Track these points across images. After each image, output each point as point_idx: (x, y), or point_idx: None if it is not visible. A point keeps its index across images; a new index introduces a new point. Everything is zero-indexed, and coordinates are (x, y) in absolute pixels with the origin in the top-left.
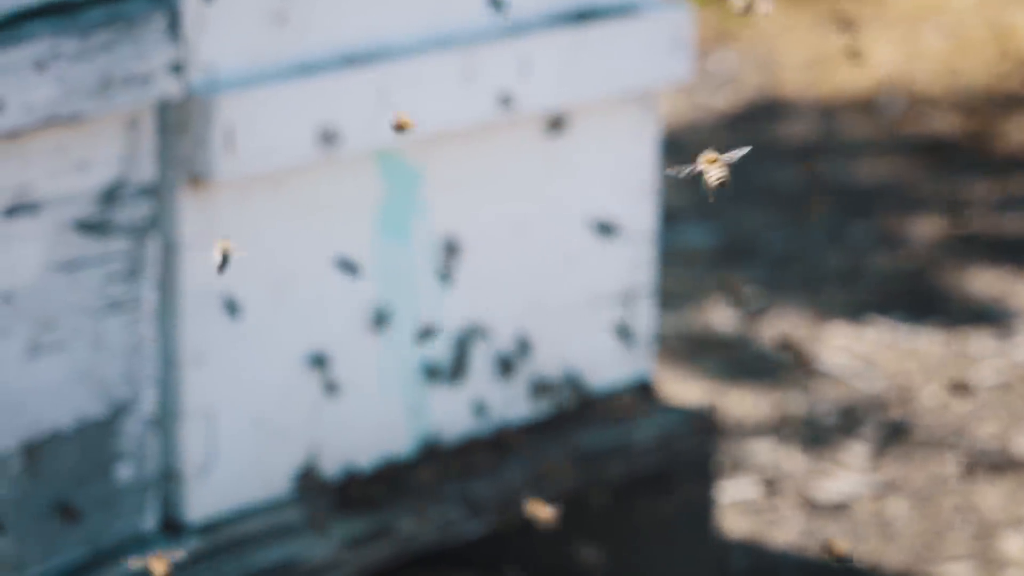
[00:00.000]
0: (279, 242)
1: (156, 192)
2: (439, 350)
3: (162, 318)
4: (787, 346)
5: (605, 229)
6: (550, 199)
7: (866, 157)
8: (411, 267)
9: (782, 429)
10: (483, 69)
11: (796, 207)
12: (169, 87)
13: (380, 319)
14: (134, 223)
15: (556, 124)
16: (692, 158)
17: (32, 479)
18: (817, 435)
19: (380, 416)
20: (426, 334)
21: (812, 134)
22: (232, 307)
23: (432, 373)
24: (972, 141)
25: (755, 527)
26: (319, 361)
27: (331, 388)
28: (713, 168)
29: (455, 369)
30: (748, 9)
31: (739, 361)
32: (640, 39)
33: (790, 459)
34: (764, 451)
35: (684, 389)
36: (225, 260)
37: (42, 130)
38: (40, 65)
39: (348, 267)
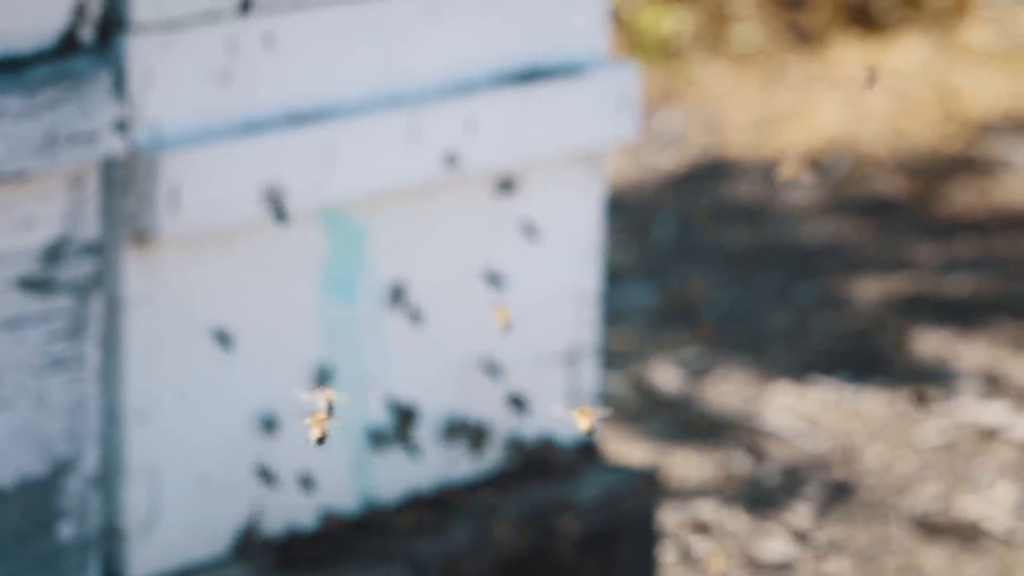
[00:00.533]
0: (223, 300)
1: (100, 250)
2: (383, 409)
3: (105, 376)
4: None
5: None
6: (495, 258)
7: (811, 217)
8: (356, 325)
9: (725, 489)
10: (429, 128)
11: (741, 267)
12: (114, 145)
13: (323, 377)
14: (78, 281)
15: (506, 185)
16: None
17: None
18: (760, 495)
19: (324, 474)
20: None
21: (757, 194)
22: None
23: (376, 435)
24: (916, 202)
25: None
26: (269, 425)
27: (267, 474)
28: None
29: (399, 428)
30: None
31: (683, 421)
32: (586, 99)
33: (733, 519)
34: (707, 511)
35: (628, 448)
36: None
37: None
38: None
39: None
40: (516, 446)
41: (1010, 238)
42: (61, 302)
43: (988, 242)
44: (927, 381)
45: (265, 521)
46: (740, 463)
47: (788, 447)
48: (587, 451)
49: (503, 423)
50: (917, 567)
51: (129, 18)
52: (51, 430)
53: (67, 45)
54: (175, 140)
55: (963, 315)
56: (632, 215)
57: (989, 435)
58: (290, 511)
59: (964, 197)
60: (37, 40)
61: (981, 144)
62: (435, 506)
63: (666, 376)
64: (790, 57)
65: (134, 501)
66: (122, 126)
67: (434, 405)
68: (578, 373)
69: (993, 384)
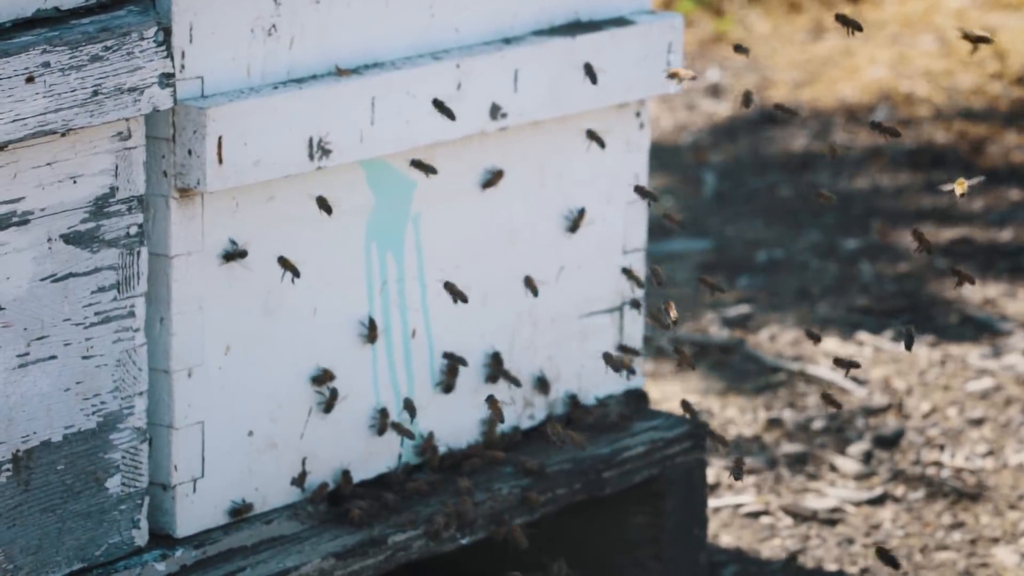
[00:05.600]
0: (270, 253)
1: (146, 203)
2: (431, 359)
3: (152, 329)
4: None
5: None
6: (542, 210)
7: (858, 166)
8: (403, 277)
9: (773, 438)
10: (475, 80)
11: (789, 217)
12: (159, 98)
13: (372, 329)
14: (124, 235)
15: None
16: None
17: (22, 491)
18: (809, 445)
19: (371, 426)
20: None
21: (804, 143)
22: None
23: (424, 384)
24: (964, 150)
25: (746, 536)
26: (321, 379)
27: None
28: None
29: (447, 379)
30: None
31: (732, 371)
32: (631, 50)
33: (781, 468)
34: (756, 460)
35: (676, 398)
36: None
37: (32, 142)
38: (30, 77)
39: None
40: (564, 397)
41: None
42: (108, 256)
43: None
44: (975, 331)
45: (314, 474)
46: (788, 412)
47: (836, 396)
48: (635, 401)
49: (550, 375)
50: (965, 517)
51: None
52: (99, 384)
53: None
54: (220, 93)
55: (1012, 264)
56: (677, 165)
57: None
58: (337, 464)
59: (1011, 146)
60: None
61: None
62: (484, 457)
63: (715, 327)
64: (835, 6)
65: (181, 455)
66: (167, 79)
67: (481, 359)
68: (625, 325)
69: None
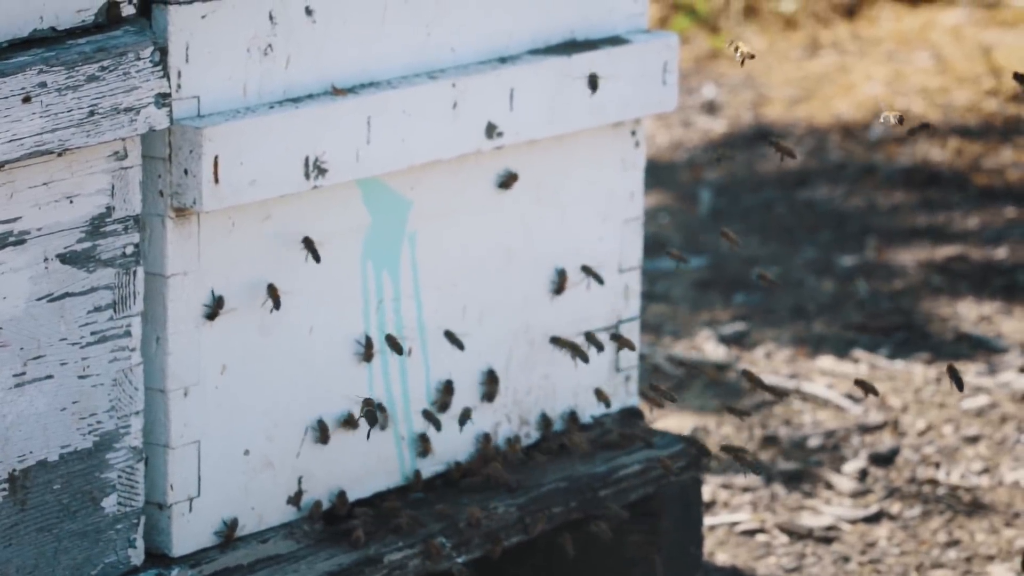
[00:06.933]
0: (266, 272)
1: (142, 223)
2: (427, 378)
3: (148, 349)
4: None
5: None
6: (538, 229)
7: (854, 184)
8: (399, 296)
9: (769, 456)
10: (471, 99)
11: (784, 234)
12: (156, 118)
13: (368, 348)
14: (120, 254)
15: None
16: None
17: (18, 511)
18: (804, 463)
19: (369, 446)
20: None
21: (799, 160)
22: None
23: (420, 403)
24: (960, 168)
25: (742, 555)
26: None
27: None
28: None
29: (442, 398)
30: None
31: (727, 389)
32: (627, 69)
33: (776, 487)
34: (751, 479)
35: (671, 416)
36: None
37: (29, 162)
38: (27, 97)
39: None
40: (560, 416)
41: None
42: (104, 275)
43: None
44: (970, 349)
45: (310, 493)
46: (783, 430)
47: (832, 415)
48: (630, 420)
49: (546, 394)
50: (961, 534)
51: None
52: (95, 403)
53: (109, 19)
54: (216, 113)
55: (1006, 283)
56: (673, 184)
57: None
58: (333, 483)
59: (1007, 163)
60: (79, 14)
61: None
62: (480, 475)
63: (709, 345)
64: (830, 23)
65: (178, 474)
66: (164, 99)
67: (478, 377)
68: (621, 343)
69: None
